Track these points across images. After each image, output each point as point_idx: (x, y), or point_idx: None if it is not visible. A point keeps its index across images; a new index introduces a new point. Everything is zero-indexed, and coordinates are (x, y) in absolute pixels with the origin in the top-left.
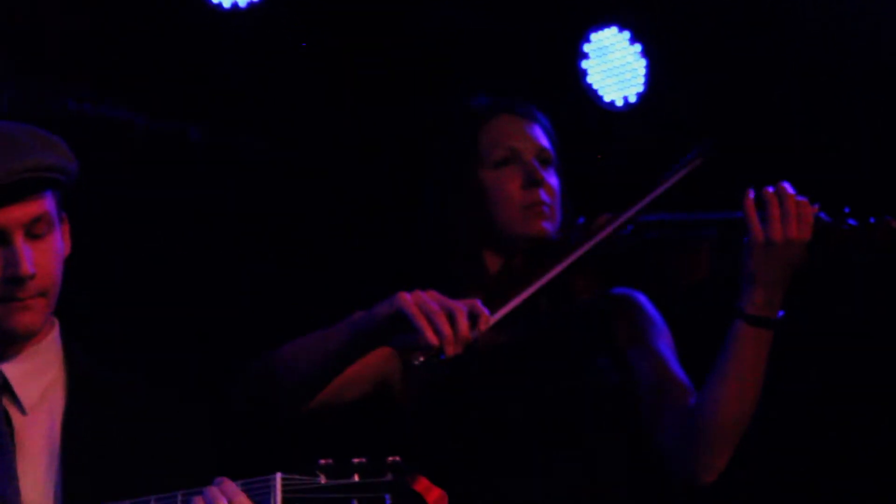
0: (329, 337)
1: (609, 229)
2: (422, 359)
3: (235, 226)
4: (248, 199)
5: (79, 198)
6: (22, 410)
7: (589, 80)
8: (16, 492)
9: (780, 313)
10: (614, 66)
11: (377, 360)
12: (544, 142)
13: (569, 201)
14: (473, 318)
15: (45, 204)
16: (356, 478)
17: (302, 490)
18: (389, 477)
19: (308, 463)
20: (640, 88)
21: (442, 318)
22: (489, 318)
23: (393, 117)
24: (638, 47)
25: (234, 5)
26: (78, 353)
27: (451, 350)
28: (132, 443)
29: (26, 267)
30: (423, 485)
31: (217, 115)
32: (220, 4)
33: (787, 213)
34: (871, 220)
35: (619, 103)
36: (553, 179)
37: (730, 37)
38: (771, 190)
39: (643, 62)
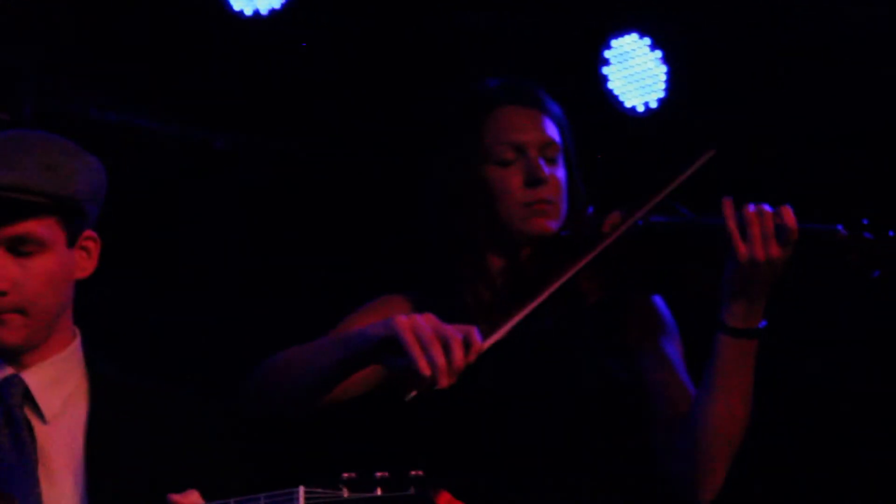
0: (323, 351)
1: (618, 232)
2: (413, 394)
3: (259, 234)
4: (271, 207)
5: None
6: (43, 420)
7: (610, 85)
8: (38, 501)
9: (763, 323)
10: (635, 71)
11: None
12: (552, 132)
13: (579, 191)
14: (468, 345)
15: (30, 225)
16: (379, 492)
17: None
18: (412, 491)
19: (331, 476)
20: (661, 94)
21: (437, 347)
22: (482, 346)
23: (417, 122)
24: (658, 53)
25: (256, 12)
26: (100, 363)
27: (444, 382)
28: (155, 451)
29: None
30: (445, 499)
31: (241, 123)
32: (241, 12)
33: (767, 231)
34: (892, 234)
35: (640, 109)
36: (560, 172)
37: (750, 44)
38: (752, 209)
39: (664, 68)
